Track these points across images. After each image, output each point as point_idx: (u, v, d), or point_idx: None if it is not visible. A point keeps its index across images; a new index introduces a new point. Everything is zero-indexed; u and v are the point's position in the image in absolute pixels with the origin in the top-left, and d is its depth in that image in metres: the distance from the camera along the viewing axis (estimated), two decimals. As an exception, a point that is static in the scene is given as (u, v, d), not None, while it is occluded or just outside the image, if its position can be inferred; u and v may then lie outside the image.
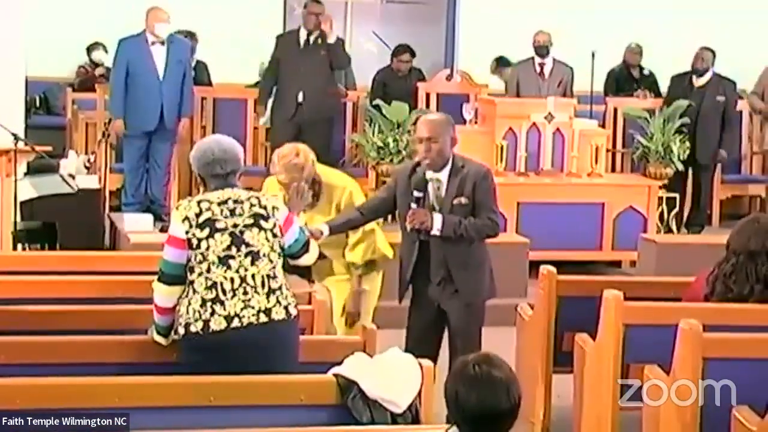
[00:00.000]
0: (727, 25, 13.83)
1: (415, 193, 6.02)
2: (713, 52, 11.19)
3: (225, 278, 4.90)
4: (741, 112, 12.01)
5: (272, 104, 10.89)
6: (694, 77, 11.20)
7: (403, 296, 6.22)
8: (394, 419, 4.57)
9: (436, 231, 6.00)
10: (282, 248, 5.02)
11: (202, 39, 12.00)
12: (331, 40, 10.68)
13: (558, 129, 10.07)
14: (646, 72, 12.78)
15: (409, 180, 6.09)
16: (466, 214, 6.02)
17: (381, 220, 6.65)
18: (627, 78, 12.76)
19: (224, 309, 4.88)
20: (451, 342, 6.18)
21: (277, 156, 6.37)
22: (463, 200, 6.03)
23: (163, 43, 10.32)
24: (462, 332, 6.12)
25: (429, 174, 6.06)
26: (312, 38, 10.73)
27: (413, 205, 6.01)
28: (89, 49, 13.03)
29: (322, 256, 5.79)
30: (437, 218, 6.00)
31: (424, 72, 12.41)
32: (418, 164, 6.13)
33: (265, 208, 4.99)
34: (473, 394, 3.59)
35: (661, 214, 10.40)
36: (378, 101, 10.81)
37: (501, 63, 13.15)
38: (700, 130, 10.96)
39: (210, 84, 12.03)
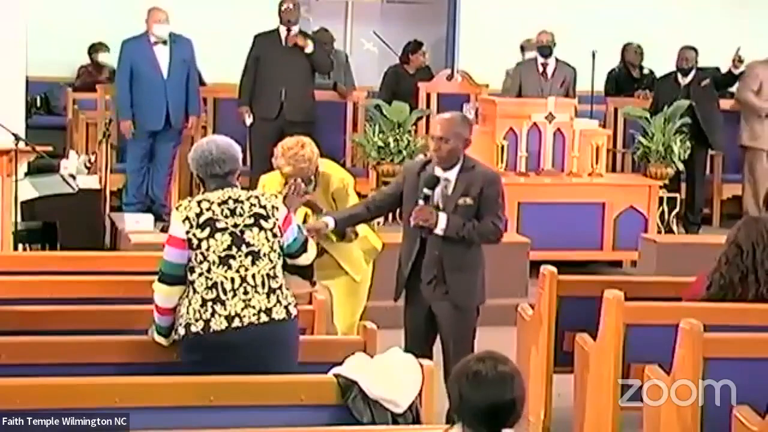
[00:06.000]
0: (727, 23, 13.82)
1: (425, 191, 5.91)
2: (696, 50, 11.24)
3: (225, 278, 4.90)
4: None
5: (251, 103, 10.61)
6: (679, 76, 11.24)
7: (400, 294, 6.13)
8: (395, 419, 4.57)
9: (439, 230, 5.91)
10: (281, 248, 5.02)
11: (200, 39, 11.96)
12: (308, 50, 10.54)
13: (559, 129, 10.06)
14: (646, 71, 12.77)
15: (418, 177, 6.00)
16: (469, 215, 5.94)
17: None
18: (627, 78, 12.75)
19: (225, 309, 4.88)
20: (443, 345, 6.09)
21: (281, 148, 6.32)
22: (469, 200, 5.94)
23: (165, 42, 10.34)
24: (453, 336, 6.01)
25: (438, 172, 5.98)
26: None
27: (420, 202, 5.92)
28: (91, 51, 13.00)
29: (321, 253, 5.78)
30: (442, 217, 5.90)
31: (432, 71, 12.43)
32: (429, 161, 6.05)
33: (264, 207, 4.99)
34: (479, 389, 3.61)
35: (662, 214, 10.40)
36: (379, 101, 10.81)
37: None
38: (704, 121, 10.96)
39: (203, 84, 11.99)
